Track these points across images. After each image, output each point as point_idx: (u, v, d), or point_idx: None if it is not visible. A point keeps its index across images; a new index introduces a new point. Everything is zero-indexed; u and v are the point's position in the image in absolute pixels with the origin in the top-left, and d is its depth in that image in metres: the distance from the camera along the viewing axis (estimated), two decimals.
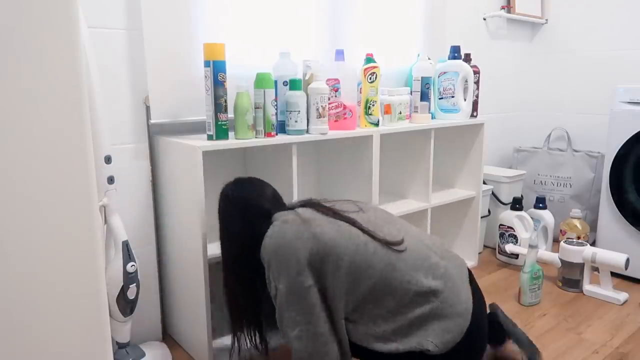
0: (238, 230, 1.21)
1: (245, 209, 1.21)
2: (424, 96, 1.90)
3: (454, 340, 1.10)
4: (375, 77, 1.73)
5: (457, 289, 1.16)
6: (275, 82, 1.52)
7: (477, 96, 2.10)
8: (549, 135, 2.68)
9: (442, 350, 1.09)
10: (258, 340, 1.33)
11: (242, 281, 1.24)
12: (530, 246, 1.88)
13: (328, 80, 1.67)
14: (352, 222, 1.15)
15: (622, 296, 1.91)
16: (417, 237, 1.21)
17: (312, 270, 1.09)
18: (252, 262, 1.18)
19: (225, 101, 1.38)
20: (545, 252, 2.11)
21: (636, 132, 2.05)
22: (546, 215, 2.32)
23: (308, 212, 1.17)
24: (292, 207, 1.23)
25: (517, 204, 2.28)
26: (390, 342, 1.09)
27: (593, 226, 2.34)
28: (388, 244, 1.12)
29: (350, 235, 1.12)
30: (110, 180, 1.29)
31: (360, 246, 1.11)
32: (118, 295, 1.31)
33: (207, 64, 1.36)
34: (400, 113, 1.84)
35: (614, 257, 1.88)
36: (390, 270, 1.10)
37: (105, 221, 1.31)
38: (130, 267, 1.32)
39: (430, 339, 1.09)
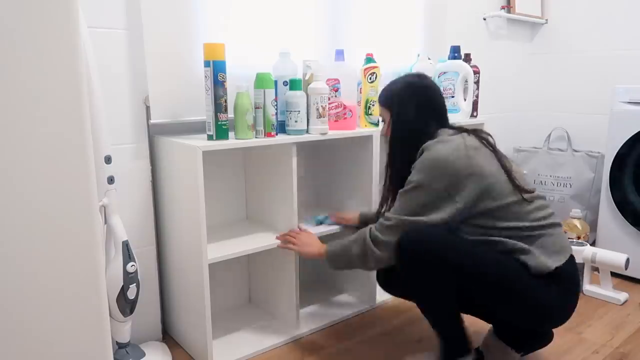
0: (413, 118, 1.36)
1: (430, 103, 1.38)
2: None
3: (550, 266, 1.23)
4: (375, 77, 1.73)
5: (561, 241, 1.29)
6: (275, 82, 1.52)
7: (477, 96, 2.10)
8: (549, 135, 2.68)
9: (539, 267, 1.22)
10: None
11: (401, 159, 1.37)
12: None
13: (328, 80, 1.67)
14: (502, 161, 1.31)
15: (622, 296, 1.91)
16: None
17: (450, 182, 1.23)
18: (408, 150, 1.35)
19: (225, 101, 1.38)
20: None
21: (636, 132, 2.05)
22: None
23: (473, 140, 1.31)
24: (459, 128, 1.37)
25: None
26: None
27: (593, 226, 2.34)
28: (521, 189, 1.28)
29: (498, 170, 1.28)
30: (110, 180, 1.29)
31: (500, 179, 1.26)
32: (118, 295, 1.31)
33: (207, 64, 1.36)
34: None
35: (614, 257, 1.88)
36: (514, 204, 1.26)
37: (105, 221, 1.31)
38: (130, 267, 1.32)
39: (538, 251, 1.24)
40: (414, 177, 1.28)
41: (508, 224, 1.26)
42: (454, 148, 1.26)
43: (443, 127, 1.38)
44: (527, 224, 1.26)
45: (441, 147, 1.27)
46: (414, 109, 1.36)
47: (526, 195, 1.28)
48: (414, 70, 1.93)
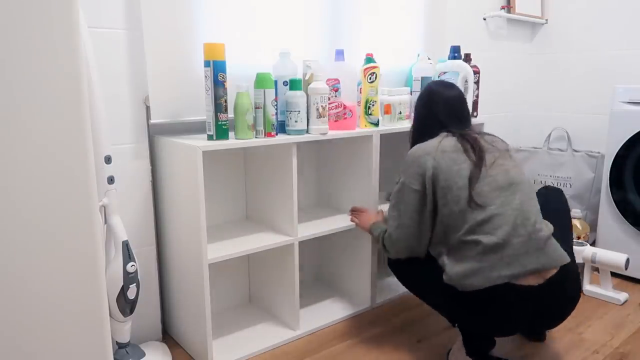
0: (420, 115, 1.55)
1: (436, 107, 1.51)
2: None
3: (468, 285, 1.28)
4: (375, 77, 1.73)
5: (509, 263, 1.26)
6: (275, 82, 1.52)
7: (477, 96, 2.10)
8: (549, 135, 2.68)
9: (453, 282, 1.30)
10: None
11: None
12: None
13: (328, 80, 1.67)
14: (476, 159, 1.36)
15: (622, 296, 1.91)
16: (510, 213, 1.31)
17: (423, 182, 1.37)
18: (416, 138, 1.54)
19: (226, 101, 1.38)
20: None
21: (636, 132, 2.05)
22: None
23: (451, 142, 1.40)
24: (455, 132, 1.45)
25: None
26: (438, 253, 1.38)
27: (593, 226, 2.34)
28: (471, 199, 1.32)
29: (457, 173, 1.34)
30: (110, 180, 1.30)
31: (457, 184, 1.33)
32: (118, 295, 1.31)
33: (207, 64, 1.36)
34: (400, 113, 1.84)
35: (614, 257, 1.88)
36: (462, 212, 1.32)
37: (105, 221, 1.31)
38: (130, 267, 1.32)
39: (452, 268, 1.31)
40: (399, 177, 1.44)
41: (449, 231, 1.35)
42: (424, 149, 1.40)
43: (447, 129, 1.47)
44: (459, 235, 1.32)
45: (417, 147, 1.43)
46: (422, 108, 1.54)
47: (473, 207, 1.31)
48: (414, 70, 1.93)
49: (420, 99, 1.56)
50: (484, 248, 1.27)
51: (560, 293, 1.31)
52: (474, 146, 1.39)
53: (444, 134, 1.44)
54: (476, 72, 2.06)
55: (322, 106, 1.56)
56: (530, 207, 1.34)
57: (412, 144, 1.50)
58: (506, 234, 1.27)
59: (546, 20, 2.75)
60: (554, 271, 1.29)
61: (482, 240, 1.28)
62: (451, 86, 1.53)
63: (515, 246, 1.27)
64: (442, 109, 1.48)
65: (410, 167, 1.41)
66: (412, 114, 1.62)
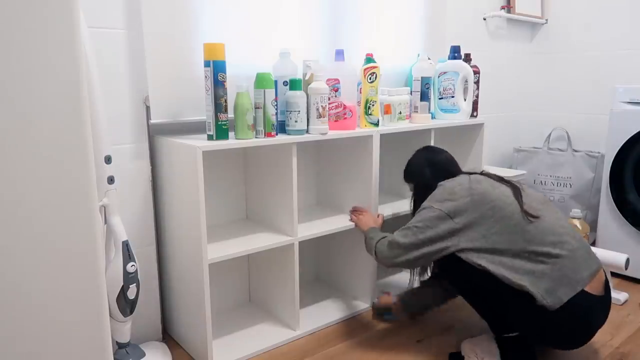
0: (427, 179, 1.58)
1: (437, 165, 1.59)
2: (424, 96, 1.90)
3: (558, 302, 1.28)
4: (375, 77, 1.73)
5: (578, 267, 1.32)
6: (275, 82, 1.52)
7: (477, 96, 2.10)
8: (549, 135, 2.68)
9: (549, 304, 1.28)
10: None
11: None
12: None
13: (328, 80, 1.67)
14: (510, 186, 1.43)
15: (622, 296, 1.91)
16: (561, 223, 1.40)
17: (458, 209, 1.38)
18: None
19: (225, 101, 1.38)
20: None
21: (636, 132, 2.05)
22: None
23: (478, 177, 1.47)
24: (470, 172, 1.53)
25: None
26: (507, 270, 1.33)
27: (593, 226, 2.34)
28: (526, 213, 1.36)
29: (501, 193, 1.40)
30: (110, 180, 1.29)
31: (506, 201, 1.37)
32: (118, 295, 1.31)
33: (207, 64, 1.36)
34: (400, 113, 1.84)
35: (614, 257, 1.88)
36: (519, 226, 1.35)
37: (105, 221, 1.31)
38: (130, 267, 1.32)
39: (539, 290, 1.29)
40: (425, 202, 1.46)
41: (509, 248, 1.34)
42: (459, 182, 1.45)
43: (454, 175, 1.53)
44: (526, 247, 1.33)
45: (449, 183, 1.47)
46: (428, 171, 1.58)
47: (530, 218, 1.35)
48: (414, 70, 1.93)
49: (418, 166, 1.60)
50: (558, 255, 1.32)
51: (609, 304, 1.41)
52: (499, 177, 1.47)
53: (463, 175, 1.50)
54: (476, 72, 2.06)
55: (322, 106, 1.56)
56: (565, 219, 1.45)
57: (424, 194, 1.49)
58: (566, 238, 1.35)
59: (546, 20, 2.75)
60: (603, 276, 1.39)
61: (551, 251, 1.32)
62: (441, 150, 1.63)
63: (579, 250, 1.35)
64: (445, 164, 1.58)
65: (441, 195, 1.43)
66: (413, 179, 1.63)
